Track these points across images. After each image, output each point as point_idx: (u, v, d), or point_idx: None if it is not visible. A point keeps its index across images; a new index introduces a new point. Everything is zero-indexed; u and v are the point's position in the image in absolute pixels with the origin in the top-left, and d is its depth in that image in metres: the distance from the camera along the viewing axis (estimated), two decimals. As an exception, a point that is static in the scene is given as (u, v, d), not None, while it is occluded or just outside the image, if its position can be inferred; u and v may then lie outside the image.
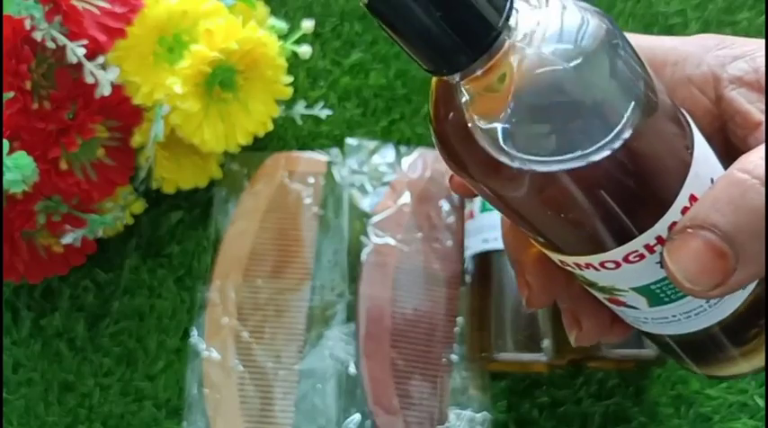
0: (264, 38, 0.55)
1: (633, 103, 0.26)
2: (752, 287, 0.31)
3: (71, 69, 0.51)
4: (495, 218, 0.56)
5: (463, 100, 0.26)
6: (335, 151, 0.64)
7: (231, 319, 0.59)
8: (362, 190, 0.63)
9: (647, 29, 0.67)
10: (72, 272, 0.61)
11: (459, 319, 0.59)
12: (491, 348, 0.54)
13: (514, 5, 0.25)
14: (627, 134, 0.25)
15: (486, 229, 0.56)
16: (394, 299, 0.59)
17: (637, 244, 0.28)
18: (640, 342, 0.54)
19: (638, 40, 0.29)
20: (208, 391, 0.58)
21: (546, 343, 0.53)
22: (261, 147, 0.63)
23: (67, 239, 0.54)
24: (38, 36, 0.49)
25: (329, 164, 0.64)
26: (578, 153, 0.25)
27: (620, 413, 0.57)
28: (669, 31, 0.67)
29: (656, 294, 0.30)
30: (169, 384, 0.59)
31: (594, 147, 0.25)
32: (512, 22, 0.25)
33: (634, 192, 0.27)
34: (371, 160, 0.63)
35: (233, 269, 0.61)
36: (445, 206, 0.62)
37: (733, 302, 0.31)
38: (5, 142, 0.49)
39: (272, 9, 0.63)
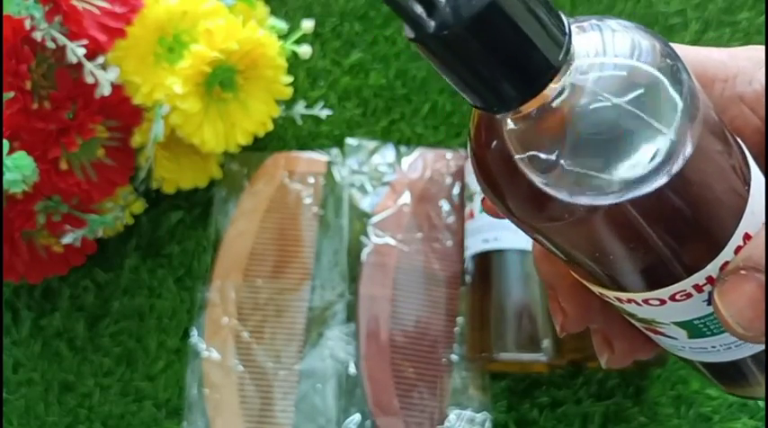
0: (264, 38, 0.55)
1: (691, 131, 0.24)
2: None
3: (71, 69, 0.51)
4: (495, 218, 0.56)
5: (509, 128, 0.25)
6: (335, 151, 0.64)
7: (231, 319, 0.59)
8: (362, 190, 0.63)
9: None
10: (72, 272, 0.61)
11: (459, 319, 0.59)
12: (491, 348, 0.54)
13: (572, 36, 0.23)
14: (681, 165, 0.24)
15: (486, 229, 0.56)
16: (394, 299, 0.59)
17: (685, 284, 0.27)
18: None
19: (686, 52, 0.27)
20: (208, 391, 0.58)
21: (546, 343, 0.53)
22: (261, 147, 0.64)
23: (67, 239, 0.54)
24: (38, 36, 0.49)
25: (329, 164, 0.64)
26: (632, 187, 0.24)
27: (620, 413, 0.57)
28: (669, 31, 0.67)
29: (699, 328, 0.29)
30: (169, 384, 0.59)
31: (651, 180, 0.24)
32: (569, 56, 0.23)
33: (687, 230, 0.26)
34: (371, 160, 0.63)
35: (233, 269, 0.61)
36: (445, 206, 0.62)
37: None
38: (5, 142, 0.49)
39: (272, 9, 0.63)
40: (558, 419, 0.57)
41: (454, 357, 0.58)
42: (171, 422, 0.58)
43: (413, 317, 0.59)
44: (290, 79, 0.58)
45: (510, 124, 0.25)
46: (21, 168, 0.49)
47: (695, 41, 0.66)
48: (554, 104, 0.24)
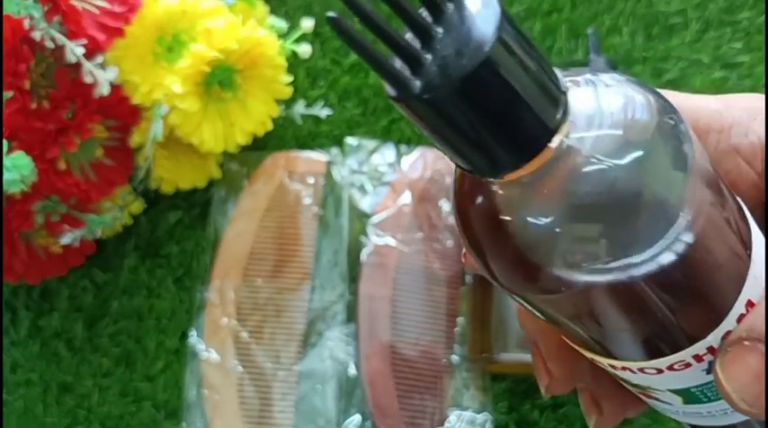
0: (264, 37, 0.55)
1: (695, 195, 0.22)
2: None
3: (70, 69, 0.51)
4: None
5: (498, 191, 0.23)
6: (335, 151, 0.64)
7: (230, 320, 0.59)
8: (362, 189, 0.62)
9: (647, 28, 0.67)
10: (70, 273, 0.61)
11: (460, 320, 0.59)
12: (492, 349, 0.54)
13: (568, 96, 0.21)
14: (688, 237, 0.22)
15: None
16: (394, 300, 0.59)
17: (685, 354, 0.25)
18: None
19: (678, 101, 0.24)
20: (207, 392, 0.58)
21: (546, 343, 0.53)
22: (260, 146, 0.63)
23: (66, 239, 0.54)
24: (37, 36, 0.49)
25: (329, 163, 0.64)
26: (637, 265, 0.22)
27: (621, 413, 0.57)
28: (670, 30, 0.67)
29: (696, 395, 0.27)
30: (168, 385, 0.59)
31: (657, 257, 0.22)
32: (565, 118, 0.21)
33: (690, 301, 0.24)
34: (371, 160, 0.63)
35: (232, 269, 0.61)
36: (445, 206, 0.62)
37: None
38: (4, 142, 0.49)
39: (272, 8, 0.63)
40: (559, 420, 0.57)
41: (455, 358, 0.58)
42: (170, 422, 0.58)
43: (413, 318, 0.59)
44: (289, 78, 0.58)
45: (499, 187, 0.23)
46: (19, 168, 0.49)
47: (696, 41, 0.66)
48: (546, 171, 0.21)
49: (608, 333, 0.25)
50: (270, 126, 0.59)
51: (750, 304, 0.25)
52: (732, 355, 0.24)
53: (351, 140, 0.64)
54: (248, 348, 0.59)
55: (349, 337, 0.59)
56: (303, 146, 0.65)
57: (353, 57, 0.67)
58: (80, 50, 0.49)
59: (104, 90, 0.50)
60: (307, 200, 0.62)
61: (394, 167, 0.63)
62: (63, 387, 0.59)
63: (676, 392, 0.28)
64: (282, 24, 0.59)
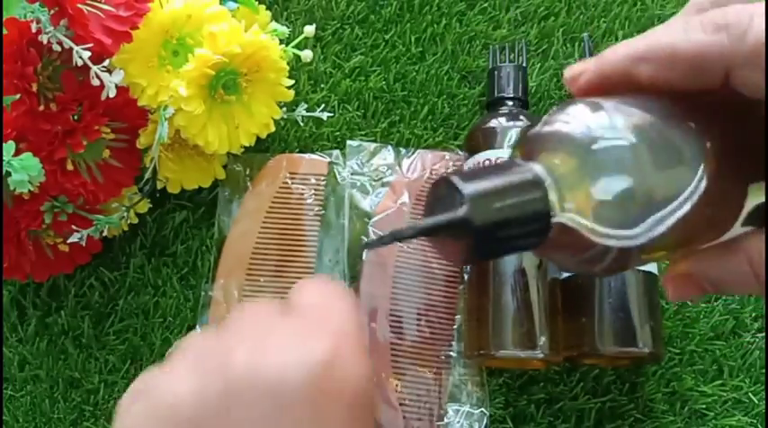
0: (267, 41, 0.55)
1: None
2: None
3: (77, 71, 0.52)
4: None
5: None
6: (336, 152, 0.65)
7: (234, 317, 0.60)
8: (363, 190, 0.63)
9: (642, 32, 0.67)
10: (77, 271, 0.62)
11: (458, 317, 0.60)
12: (489, 345, 0.54)
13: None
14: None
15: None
16: (394, 297, 0.60)
17: None
18: (635, 340, 0.54)
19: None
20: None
21: (542, 340, 0.54)
22: (263, 148, 0.64)
23: (73, 238, 0.55)
24: (44, 39, 0.50)
25: (330, 165, 0.64)
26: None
27: (616, 409, 0.58)
28: (665, 34, 0.67)
29: None
30: (173, 381, 0.59)
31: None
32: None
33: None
34: (372, 161, 0.64)
35: (236, 268, 0.61)
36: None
37: None
38: (12, 143, 0.49)
39: (274, 13, 0.64)
40: (554, 415, 0.58)
41: (452, 354, 0.59)
42: (174, 418, 0.58)
43: (412, 315, 0.59)
44: (291, 82, 0.59)
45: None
46: (27, 169, 0.49)
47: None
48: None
49: None
50: (273, 128, 0.60)
51: None
52: None
53: (351, 142, 0.65)
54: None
55: (350, 334, 0.59)
56: (305, 148, 0.65)
57: (354, 61, 0.68)
58: (87, 54, 0.49)
59: (111, 93, 0.50)
60: (309, 201, 0.63)
61: (394, 169, 0.64)
62: (70, 384, 0.60)
63: None
64: (284, 29, 0.60)
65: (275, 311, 0.34)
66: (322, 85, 0.67)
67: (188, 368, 0.31)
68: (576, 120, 0.31)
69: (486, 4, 0.69)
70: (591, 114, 0.31)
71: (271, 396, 0.29)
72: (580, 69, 0.34)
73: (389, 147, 0.65)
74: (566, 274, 0.57)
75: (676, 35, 0.31)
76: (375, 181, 0.64)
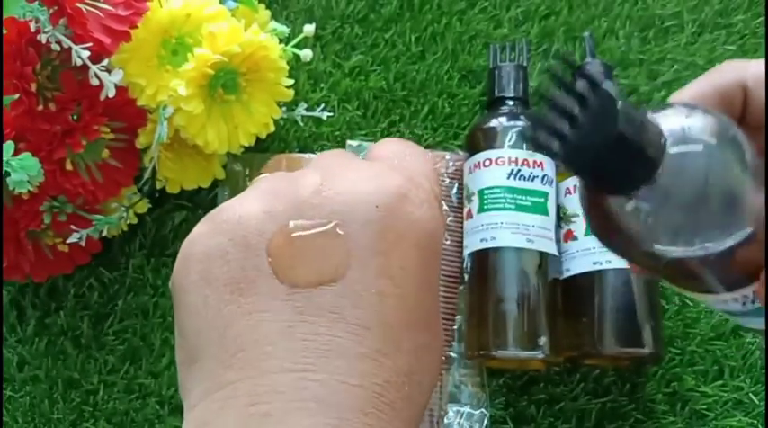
0: (266, 41, 0.55)
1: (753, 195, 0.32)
2: None
3: (76, 71, 0.52)
4: (493, 217, 0.57)
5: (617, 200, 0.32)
6: (336, 152, 0.65)
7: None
8: (363, 190, 0.63)
9: (643, 31, 0.67)
10: (77, 271, 0.62)
11: (458, 317, 0.60)
12: (489, 346, 0.55)
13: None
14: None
15: (485, 229, 0.57)
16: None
17: (737, 294, 0.37)
18: (636, 340, 0.54)
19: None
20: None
21: (543, 340, 0.54)
22: (263, 148, 0.64)
23: (72, 238, 0.55)
24: (43, 38, 0.50)
25: (330, 164, 0.64)
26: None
27: (616, 410, 0.58)
28: (665, 33, 0.67)
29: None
30: (173, 381, 0.59)
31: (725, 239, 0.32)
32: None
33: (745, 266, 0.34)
34: (372, 161, 0.64)
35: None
36: (444, 206, 0.62)
37: None
38: (11, 143, 0.49)
39: (274, 13, 0.64)
40: (555, 416, 0.58)
41: (453, 355, 0.59)
42: (174, 418, 0.58)
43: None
44: (291, 81, 0.59)
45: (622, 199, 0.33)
46: (26, 169, 0.49)
47: (691, 43, 0.67)
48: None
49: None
50: (272, 128, 0.60)
51: None
52: None
53: (351, 142, 0.65)
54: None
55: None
56: (305, 147, 0.65)
57: (354, 60, 0.67)
58: (86, 53, 0.49)
59: (110, 92, 0.50)
60: (308, 201, 0.63)
61: (394, 168, 0.64)
62: (69, 384, 0.60)
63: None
64: (284, 29, 0.60)
65: (353, 155, 0.35)
66: (322, 85, 0.67)
67: (258, 194, 0.30)
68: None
69: (486, 4, 0.69)
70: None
71: (337, 217, 0.29)
72: None
73: (389, 147, 0.65)
74: (566, 274, 0.57)
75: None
76: (375, 180, 0.63)
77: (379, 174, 0.31)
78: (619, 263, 0.55)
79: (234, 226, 0.29)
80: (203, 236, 0.31)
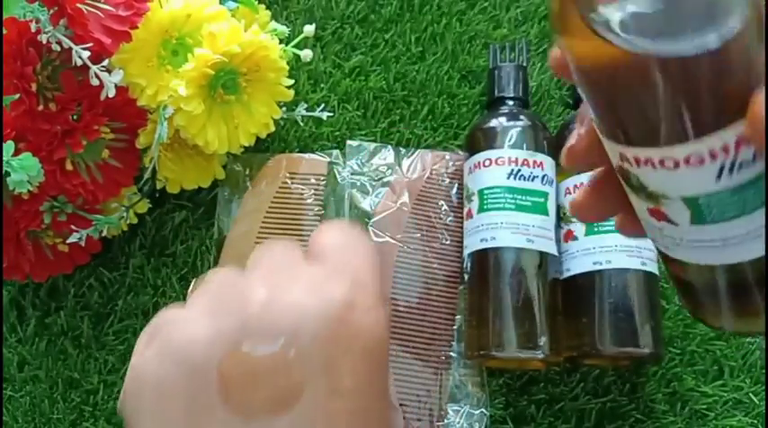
0: (266, 41, 0.55)
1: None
2: None
3: (76, 71, 0.52)
4: (493, 217, 0.57)
5: None
6: (336, 152, 0.65)
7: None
8: (363, 190, 0.63)
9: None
10: (77, 271, 0.62)
11: (458, 317, 0.60)
12: (489, 346, 0.55)
13: None
14: (738, 26, 0.25)
15: (485, 229, 0.57)
16: (393, 297, 0.60)
17: (702, 145, 0.28)
18: (636, 340, 0.54)
19: None
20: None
21: (543, 340, 0.54)
22: (263, 148, 0.64)
23: (72, 238, 0.55)
24: (43, 39, 0.50)
25: (330, 165, 0.64)
26: (691, 39, 0.25)
27: (616, 410, 0.58)
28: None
29: (702, 211, 0.30)
30: (172, 381, 0.59)
31: (705, 36, 0.25)
32: None
33: (721, 89, 0.27)
34: (372, 161, 0.64)
35: (236, 267, 0.61)
36: (444, 206, 0.62)
37: None
38: (11, 143, 0.49)
39: (274, 13, 0.64)
40: (555, 416, 0.58)
41: (453, 354, 0.59)
42: (174, 418, 0.58)
43: (412, 316, 0.59)
44: (291, 82, 0.59)
45: None
46: (26, 169, 0.49)
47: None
48: None
49: (648, 109, 0.28)
50: (272, 128, 0.60)
51: None
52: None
53: (351, 142, 0.65)
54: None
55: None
56: (305, 147, 0.65)
57: (354, 60, 0.67)
58: (86, 54, 0.49)
59: (110, 92, 0.50)
60: (309, 201, 0.63)
61: (394, 169, 0.64)
62: (69, 384, 0.60)
63: (686, 202, 0.30)
64: (284, 29, 0.60)
65: (297, 255, 0.34)
66: (322, 85, 0.67)
67: (206, 307, 0.31)
68: None
69: (486, 4, 0.69)
70: None
71: (285, 336, 0.29)
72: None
73: (389, 147, 0.65)
74: (566, 274, 0.57)
75: None
76: (375, 181, 0.63)
77: (324, 284, 0.31)
78: (619, 263, 0.55)
79: (183, 353, 0.30)
80: (152, 363, 0.31)
